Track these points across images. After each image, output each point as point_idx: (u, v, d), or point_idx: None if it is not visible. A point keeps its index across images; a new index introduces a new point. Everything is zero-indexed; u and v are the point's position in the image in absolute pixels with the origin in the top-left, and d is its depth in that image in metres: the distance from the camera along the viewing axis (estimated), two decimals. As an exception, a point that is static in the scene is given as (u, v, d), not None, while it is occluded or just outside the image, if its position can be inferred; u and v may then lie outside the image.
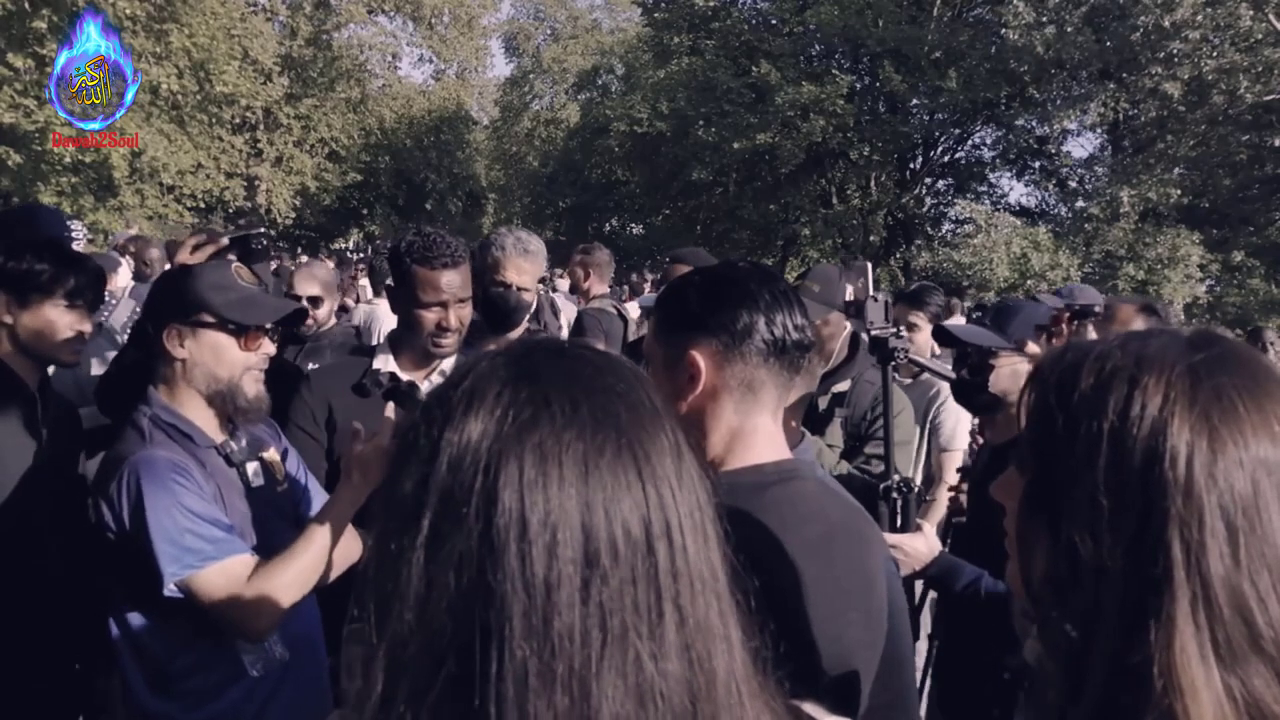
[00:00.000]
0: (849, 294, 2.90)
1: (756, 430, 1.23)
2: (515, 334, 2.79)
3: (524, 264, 2.71)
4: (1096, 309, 2.44)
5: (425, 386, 2.25)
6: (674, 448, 0.66)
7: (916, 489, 2.09)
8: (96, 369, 3.01)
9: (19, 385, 2.16)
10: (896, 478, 2.08)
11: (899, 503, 2.05)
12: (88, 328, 2.22)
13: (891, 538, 1.97)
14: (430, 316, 2.18)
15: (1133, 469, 0.68)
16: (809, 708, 0.79)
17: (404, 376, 2.24)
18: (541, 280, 3.51)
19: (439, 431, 0.64)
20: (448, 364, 2.31)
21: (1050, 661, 0.74)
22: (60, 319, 2.14)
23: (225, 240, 2.23)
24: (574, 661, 0.58)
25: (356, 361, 2.34)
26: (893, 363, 2.06)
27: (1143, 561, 0.67)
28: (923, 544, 2.00)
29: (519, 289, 2.72)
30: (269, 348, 1.80)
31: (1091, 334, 2.47)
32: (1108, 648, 0.68)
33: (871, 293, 2.03)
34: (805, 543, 1.17)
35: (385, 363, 2.26)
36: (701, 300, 1.24)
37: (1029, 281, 17.03)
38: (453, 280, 2.18)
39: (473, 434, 0.62)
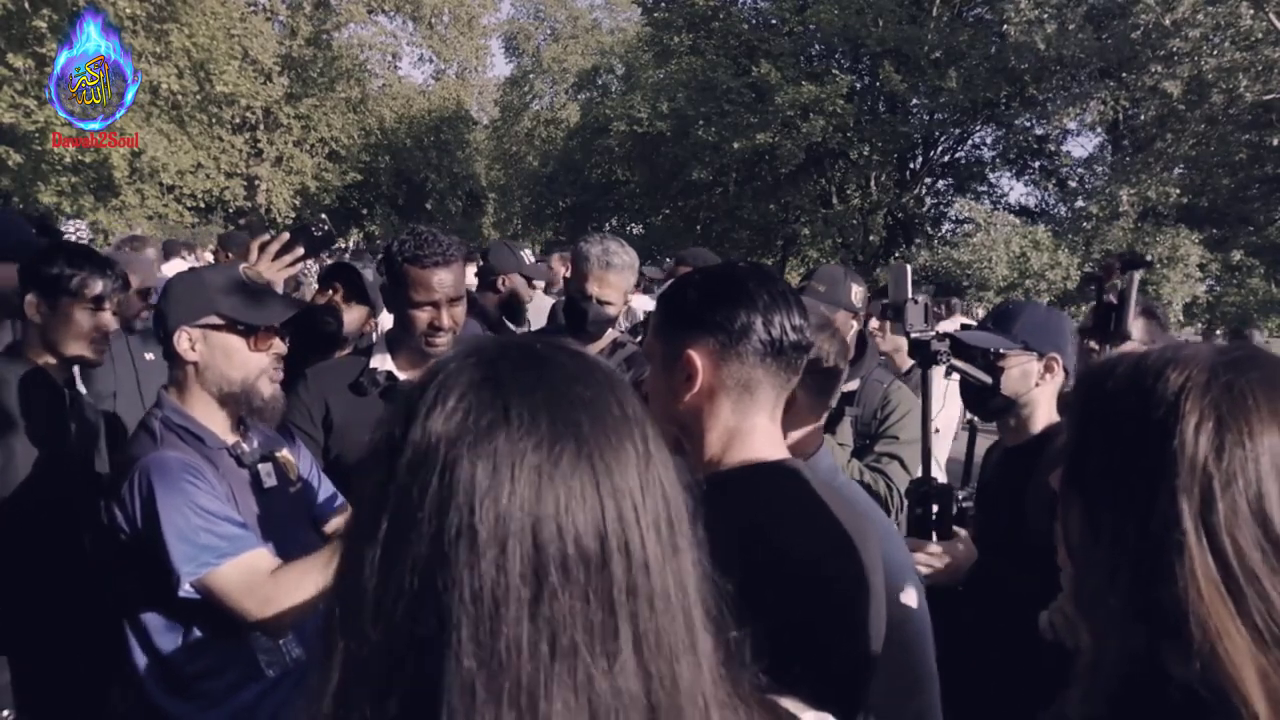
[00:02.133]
0: (854, 295, 2.89)
1: (754, 430, 1.22)
2: (599, 345, 2.76)
3: (608, 276, 2.68)
4: (1149, 258, 2.42)
5: (423, 386, 2.25)
6: (641, 458, 0.64)
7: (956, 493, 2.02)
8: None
9: (50, 384, 2.23)
10: (936, 482, 2.00)
11: (936, 509, 1.98)
12: (113, 328, 2.29)
13: (932, 546, 1.93)
14: (423, 316, 2.18)
15: (1149, 444, 0.77)
16: (787, 703, 0.78)
17: (401, 376, 2.24)
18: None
19: (402, 430, 0.62)
20: (446, 363, 2.31)
21: (1083, 630, 0.82)
22: (87, 321, 2.21)
23: (286, 235, 2.25)
24: (521, 677, 0.57)
25: (354, 361, 2.33)
26: (934, 365, 1.99)
27: (1156, 525, 0.75)
28: (963, 552, 1.94)
29: (600, 301, 2.69)
30: (280, 347, 1.80)
31: (1138, 327, 2.43)
32: (1129, 610, 0.76)
33: (910, 295, 1.96)
34: (803, 541, 1.17)
35: (382, 362, 2.25)
36: (700, 299, 1.24)
37: (1028, 281, 17.02)
38: (444, 279, 2.17)
39: (432, 435, 0.61)
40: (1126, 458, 0.78)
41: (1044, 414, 2.11)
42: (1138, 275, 1.97)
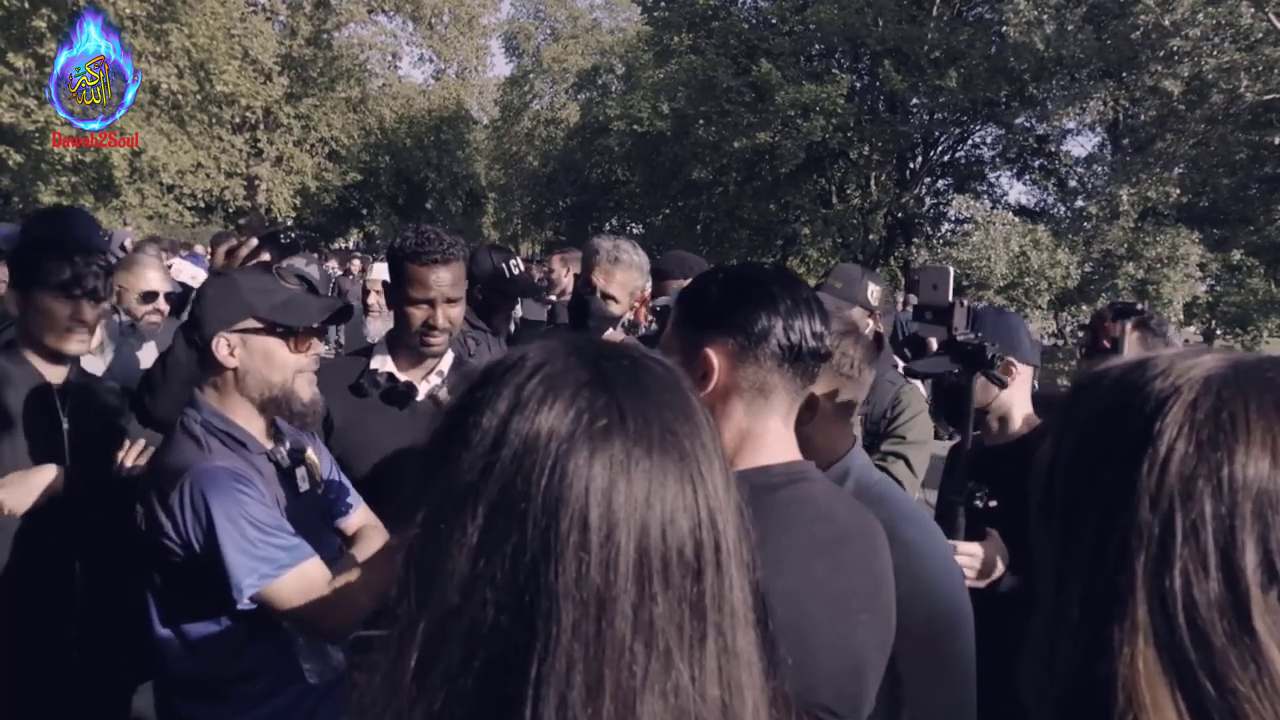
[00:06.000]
0: (871, 294, 2.89)
1: (766, 432, 1.22)
2: None
3: (614, 272, 2.71)
4: (1140, 307, 2.42)
5: (423, 387, 2.24)
6: (725, 470, 0.66)
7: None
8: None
9: (33, 377, 2.17)
10: (970, 485, 1.99)
11: (970, 511, 1.96)
12: (89, 317, 2.20)
13: (967, 546, 1.93)
14: (418, 314, 2.17)
15: (1115, 468, 0.64)
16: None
17: (401, 377, 2.24)
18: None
19: (505, 420, 0.63)
20: (445, 363, 2.30)
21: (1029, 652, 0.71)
22: (58, 310, 2.14)
23: (255, 240, 2.26)
24: (621, 675, 0.58)
25: (354, 361, 2.33)
26: (981, 370, 1.94)
27: (1105, 568, 0.63)
28: (997, 552, 1.94)
29: (605, 295, 2.71)
30: (319, 348, 1.79)
31: (1132, 340, 2.44)
32: (1070, 650, 0.64)
33: (952, 298, 1.93)
34: (814, 544, 1.17)
35: (383, 363, 2.25)
36: (722, 299, 1.23)
37: (1028, 280, 17.02)
38: (442, 278, 2.16)
39: (543, 430, 0.62)
40: (1092, 482, 0.65)
41: (1021, 412, 2.20)
42: (1129, 325, 1.99)
